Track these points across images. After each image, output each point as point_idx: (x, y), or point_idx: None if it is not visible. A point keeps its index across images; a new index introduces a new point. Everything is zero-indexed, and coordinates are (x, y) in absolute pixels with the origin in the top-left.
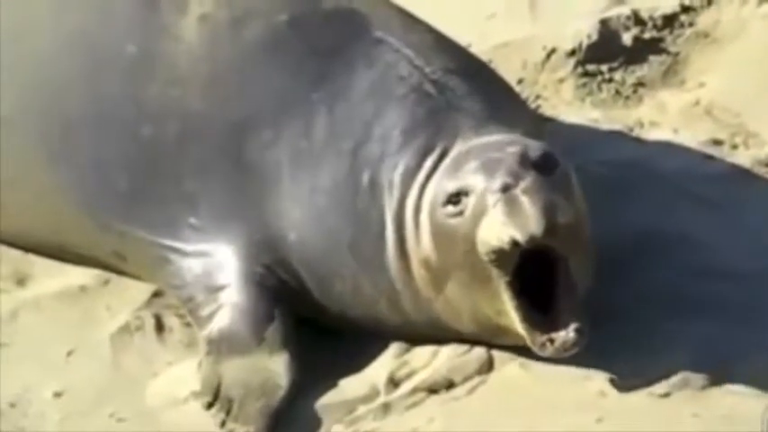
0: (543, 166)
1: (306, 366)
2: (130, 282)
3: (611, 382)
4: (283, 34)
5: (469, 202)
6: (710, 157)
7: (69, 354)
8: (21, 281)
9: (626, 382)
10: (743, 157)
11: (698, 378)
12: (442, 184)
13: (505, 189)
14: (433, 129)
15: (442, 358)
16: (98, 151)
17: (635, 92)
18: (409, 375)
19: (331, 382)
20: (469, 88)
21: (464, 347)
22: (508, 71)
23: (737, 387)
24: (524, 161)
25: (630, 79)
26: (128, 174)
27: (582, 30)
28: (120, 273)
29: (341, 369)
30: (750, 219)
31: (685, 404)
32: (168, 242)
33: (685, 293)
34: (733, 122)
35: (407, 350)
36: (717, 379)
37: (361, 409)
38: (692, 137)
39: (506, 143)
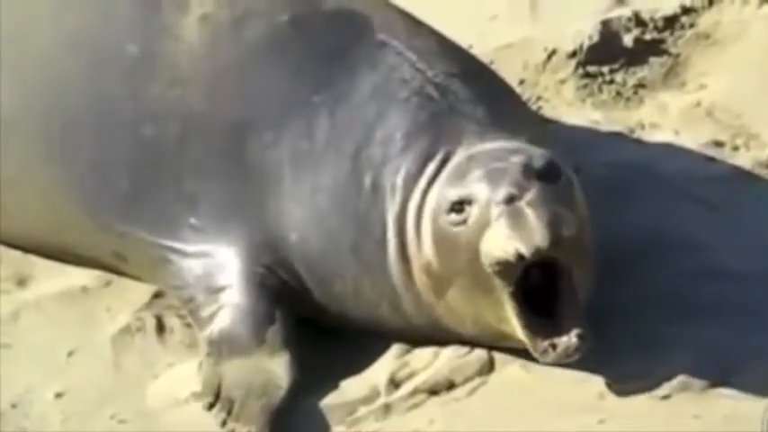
0: (547, 176)
1: (306, 367)
2: (131, 283)
3: (612, 383)
4: (284, 35)
5: (473, 212)
6: (711, 159)
7: (70, 355)
8: (21, 282)
9: (627, 383)
10: (744, 159)
11: (699, 379)
12: (445, 191)
13: (509, 201)
14: (435, 133)
15: (442, 359)
16: (99, 151)
17: (636, 93)
18: (410, 376)
19: (332, 383)
20: (472, 92)
21: (465, 348)
22: (509, 72)
23: (738, 388)
24: (528, 171)
25: (631, 80)
26: (128, 174)
27: (583, 31)
28: (121, 273)
29: (341, 370)
30: (751, 220)
31: (686, 405)
32: (169, 243)
33: (686, 295)
34: (734, 124)
35: (408, 351)
36: (717, 380)
37: (362, 410)
38: (693, 138)
39: (510, 151)
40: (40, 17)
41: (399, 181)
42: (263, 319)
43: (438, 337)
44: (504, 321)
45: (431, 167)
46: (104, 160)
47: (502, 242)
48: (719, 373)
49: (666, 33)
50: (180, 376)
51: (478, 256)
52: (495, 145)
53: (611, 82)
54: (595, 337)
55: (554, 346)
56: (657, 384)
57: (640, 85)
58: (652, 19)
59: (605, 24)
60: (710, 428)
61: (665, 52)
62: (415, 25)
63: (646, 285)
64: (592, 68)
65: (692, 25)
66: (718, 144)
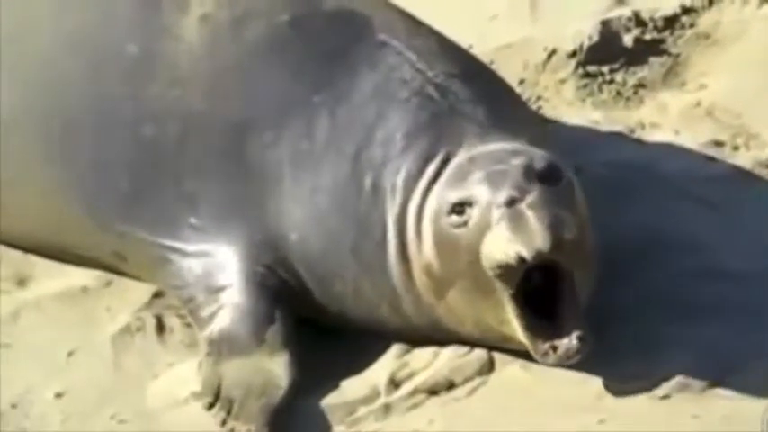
0: (548, 178)
1: (306, 367)
2: (131, 282)
3: (612, 383)
4: (284, 35)
5: (473, 214)
6: (711, 159)
7: (70, 354)
8: (22, 282)
9: (626, 383)
10: (744, 159)
11: (698, 379)
12: (446, 193)
13: (511, 203)
14: (435, 133)
15: (442, 359)
16: (99, 151)
17: (636, 93)
18: (410, 376)
19: (332, 383)
20: (472, 92)
21: (465, 348)
22: (509, 72)
23: (737, 388)
24: (529, 173)
25: (631, 80)
26: (128, 174)
27: (583, 31)
28: (121, 273)
29: (341, 370)
30: (751, 220)
31: (686, 405)
32: (169, 242)
33: (686, 294)
34: (734, 124)
35: (408, 351)
36: (717, 380)
37: (362, 410)
38: (693, 138)
39: (511, 153)
40: (40, 17)
41: (400, 182)
42: (262, 319)
43: (438, 337)
44: (505, 323)
45: (431, 168)
46: (104, 160)
47: (503, 245)
48: (719, 373)
49: (666, 33)
50: (180, 376)
51: (479, 258)
52: (496, 146)
53: (611, 82)
54: (595, 337)
55: (555, 348)
56: (657, 384)
57: (640, 85)
58: (652, 19)
59: (605, 24)
60: (710, 428)
61: (665, 52)
62: (414, 25)
63: (646, 285)
64: (592, 68)
65: (692, 25)
66: (719, 144)
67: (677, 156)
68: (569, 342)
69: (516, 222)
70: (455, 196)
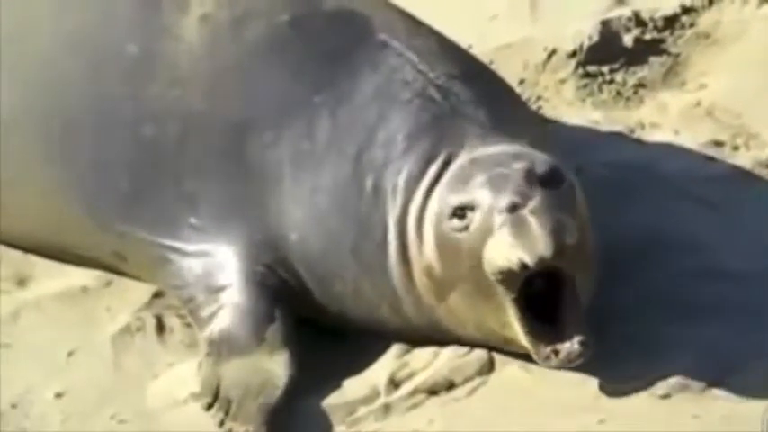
0: (549, 182)
1: (306, 367)
2: (131, 282)
3: (612, 383)
4: (285, 35)
5: (475, 218)
6: (711, 159)
7: (70, 354)
8: (22, 282)
9: (626, 383)
10: (744, 159)
11: (698, 379)
12: (447, 196)
13: (512, 209)
14: (437, 135)
15: (442, 359)
16: (98, 151)
17: (636, 93)
18: (410, 376)
19: (331, 383)
20: (473, 93)
21: (465, 348)
22: (509, 72)
23: (737, 388)
24: (530, 177)
25: (631, 80)
26: (128, 174)
27: (583, 31)
28: (121, 273)
29: (341, 370)
30: (751, 220)
31: (686, 405)
32: (169, 242)
33: (686, 295)
34: (734, 124)
35: (408, 351)
36: (717, 380)
37: (362, 410)
38: (693, 138)
39: (512, 156)
40: (40, 17)
41: (401, 183)
42: (262, 319)
43: (438, 338)
44: (507, 326)
45: (433, 170)
46: (104, 160)
47: (505, 251)
48: (719, 373)
49: (666, 33)
50: (180, 376)
51: (480, 262)
52: (498, 149)
53: (611, 82)
54: (596, 339)
55: (556, 352)
56: (657, 384)
57: (640, 85)
58: (652, 19)
59: (605, 24)
60: (710, 428)
61: (664, 52)
62: (415, 25)
63: (646, 285)
64: (592, 68)
65: (692, 25)
66: (718, 144)
67: (677, 156)
68: (571, 346)
69: (518, 228)
70: (457, 200)
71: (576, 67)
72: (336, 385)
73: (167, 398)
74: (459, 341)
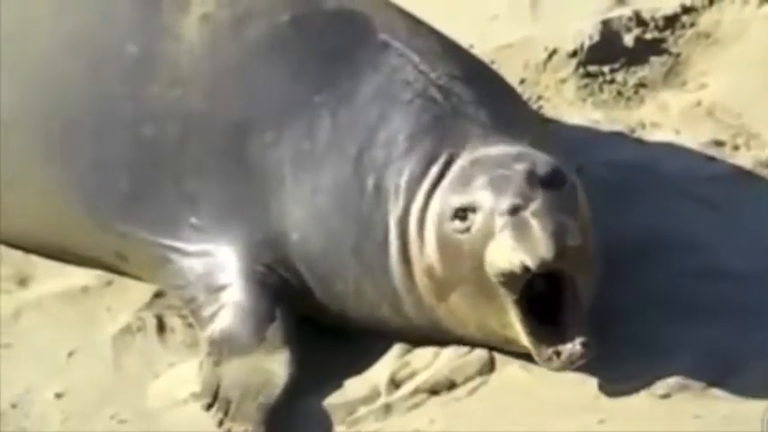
0: (551, 183)
1: (307, 367)
2: (132, 282)
3: (612, 383)
4: (285, 34)
5: (476, 219)
6: (712, 158)
7: (71, 354)
8: (22, 282)
9: (627, 383)
10: (744, 159)
11: (698, 379)
12: (449, 197)
13: (514, 211)
14: (438, 135)
15: (443, 359)
16: (99, 151)
17: (636, 93)
18: (411, 376)
19: (332, 383)
20: (474, 93)
21: (465, 348)
22: (510, 72)
23: (738, 388)
24: (532, 179)
25: (632, 80)
26: (129, 174)
27: (583, 30)
28: (122, 273)
29: (342, 369)
30: (751, 220)
31: (686, 405)
32: (169, 242)
33: (686, 294)
34: (734, 123)
35: (409, 351)
36: (717, 380)
37: (363, 410)
38: (694, 138)
39: (514, 157)
40: (40, 17)
41: (402, 183)
42: (263, 318)
43: (439, 337)
44: (508, 326)
45: (434, 170)
46: (105, 160)
47: (507, 254)
48: (719, 373)
49: (667, 33)
50: (180, 376)
51: (482, 263)
52: (499, 150)
53: (612, 81)
54: (597, 339)
55: (558, 354)
56: (657, 384)
57: (641, 85)
58: (652, 18)
59: (606, 24)
60: (710, 428)
61: (665, 52)
62: (415, 25)
63: (646, 285)
64: (592, 68)
65: (692, 25)
66: (719, 143)
67: (678, 155)
68: (573, 348)
69: (520, 231)
70: (458, 201)
71: (577, 67)
72: (337, 385)
73: (168, 398)
74: (460, 341)
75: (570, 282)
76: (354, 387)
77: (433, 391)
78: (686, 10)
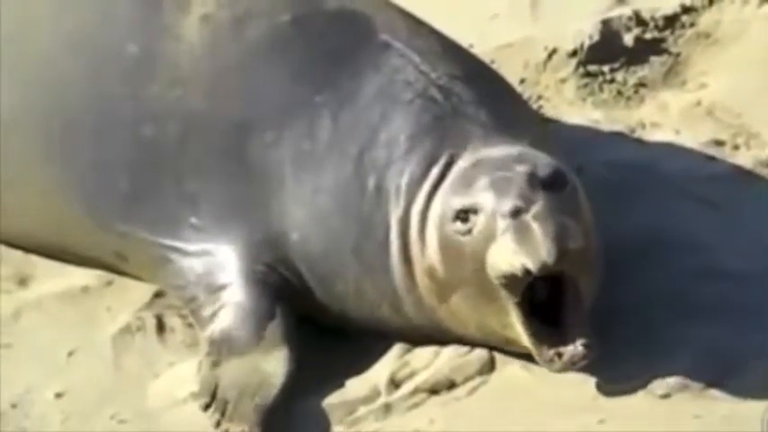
0: (552, 185)
1: (307, 366)
2: (132, 282)
3: (612, 383)
4: (286, 35)
5: (478, 221)
6: (712, 158)
7: (71, 354)
8: (22, 281)
9: (627, 383)
10: (744, 158)
11: (698, 379)
12: (451, 199)
13: (516, 214)
14: (439, 136)
15: (443, 359)
16: (99, 151)
17: (636, 92)
18: (410, 376)
19: (332, 383)
20: (475, 94)
21: (465, 348)
22: (510, 72)
23: (738, 388)
24: (533, 181)
25: (632, 80)
26: (129, 174)
27: (583, 30)
28: (122, 273)
29: (342, 369)
30: (751, 220)
31: (686, 405)
32: (170, 242)
33: (686, 294)
34: (734, 123)
35: (408, 350)
36: (717, 380)
37: (362, 410)
38: (694, 137)
39: (515, 159)
40: (40, 17)
41: (403, 184)
42: (263, 317)
43: (439, 337)
44: (509, 327)
45: (435, 171)
46: (105, 160)
47: (508, 256)
48: (719, 373)
49: (667, 32)
50: (180, 376)
51: (484, 265)
52: (500, 150)
53: (612, 81)
54: (596, 336)
55: (560, 355)
56: (657, 384)
57: (641, 85)
58: (652, 18)
59: (606, 23)
60: (710, 428)
61: (665, 51)
62: (416, 25)
63: (646, 285)
64: (592, 68)
65: (692, 24)
66: (719, 143)
67: (678, 155)
68: (574, 349)
69: (521, 234)
70: (460, 203)
71: (577, 67)
72: (337, 385)
73: (167, 398)
74: (460, 341)
75: (572, 283)
76: (354, 387)
77: (433, 390)
78: (686, 10)
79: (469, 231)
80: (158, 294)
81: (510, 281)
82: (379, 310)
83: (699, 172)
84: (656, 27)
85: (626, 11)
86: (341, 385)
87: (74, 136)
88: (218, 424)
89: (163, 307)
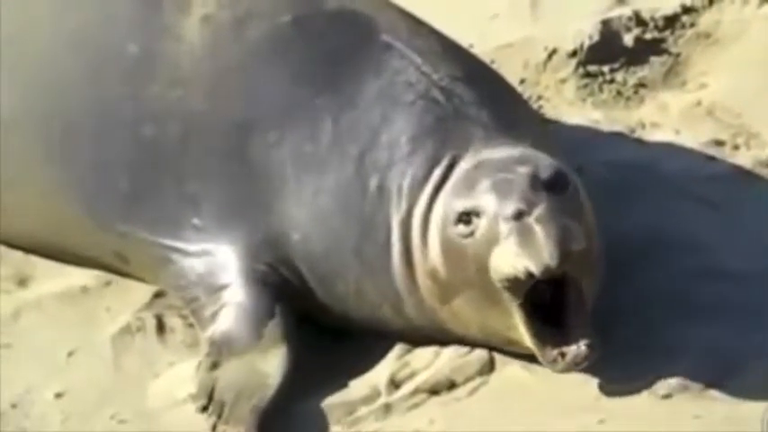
0: (554, 186)
1: (307, 367)
2: (132, 283)
3: (613, 383)
4: (286, 35)
5: (480, 224)
6: (712, 158)
7: (70, 355)
8: (22, 282)
9: (627, 383)
10: (744, 158)
11: (699, 379)
12: (453, 201)
13: (518, 216)
14: (441, 137)
15: (443, 359)
16: (99, 152)
17: (636, 93)
18: (411, 376)
19: (332, 383)
20: (476, 94)
21: (466, 348)
22: (510, 72)
23: (738, 388)
24: (536, 183)
25: (632, 80)
26: (129, 174)
27: (583, 30)
28: (122, 274)
29: (342, 370)
30: (751, 220)
31: (686, 405)
32: (170, 242)
33: (686, 294)
34: (734, 123)
35: (409, 351)
36: (717, 380)
37: (363, 410)
38: (694, 138)
39: (517, 160)
40: (40, 17)
41: (405, 185)
42: (263, 317)
43: (440, 338)
44: (512, 328)
45: (437, 173)
46: (105, 160)
47: (511, 260)
48: (720, 374)
49: (667, 33)
50: (180, 376)
51: (486, 268)
52: (502, 152)
53: (612, 81)
54: (596, 336)
55: (563, 355)
56: (658, 384)
57: (641, 85)
58: (652, 18)
59: (606, 24)
60: (710, 428)
61: (665, 52)
62: (416, 26)
63: (646, 285)
64: (592, 68)
65: (692, 25)
66: (719, 143)
67: (678, 155)
68: (577, 349)
69: (524, 237)
70: (462, 205)
71: (577, 67)
72: (337, 385)
73: (167, 398)
74: (461, 341)
75: (574, 284)
76: (354, 387)
77: (433, 391)
78: (686, 10)
79: (472, 234)
80: (158, 294)
81: (513, 284)
82: (379, 310)
83: (699, 172)
84: (656, 27)
85: (626, 11)
86: (341, 385)
87: (74, 136)
88: (214, 426)
89: (163, 307)
